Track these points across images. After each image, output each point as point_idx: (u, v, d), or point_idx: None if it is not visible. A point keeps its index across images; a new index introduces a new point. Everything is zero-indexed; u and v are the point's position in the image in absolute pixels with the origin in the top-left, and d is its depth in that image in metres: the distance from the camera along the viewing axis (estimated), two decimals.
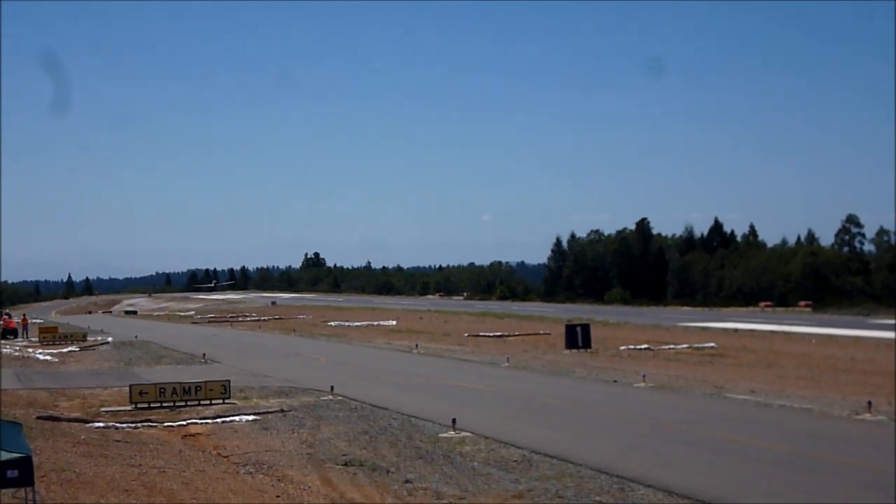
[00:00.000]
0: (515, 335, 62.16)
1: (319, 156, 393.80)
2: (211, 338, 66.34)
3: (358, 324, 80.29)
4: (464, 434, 23.42)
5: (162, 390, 29.77)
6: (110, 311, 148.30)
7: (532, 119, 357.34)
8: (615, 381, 35.30)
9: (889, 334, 58.48)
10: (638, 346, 50.16)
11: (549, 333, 61.29)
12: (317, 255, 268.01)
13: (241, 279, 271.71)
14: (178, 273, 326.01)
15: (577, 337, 50.26)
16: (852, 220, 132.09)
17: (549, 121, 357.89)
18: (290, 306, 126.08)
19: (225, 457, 21.06)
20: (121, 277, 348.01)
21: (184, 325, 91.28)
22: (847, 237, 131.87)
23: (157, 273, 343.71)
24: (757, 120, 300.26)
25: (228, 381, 31.39)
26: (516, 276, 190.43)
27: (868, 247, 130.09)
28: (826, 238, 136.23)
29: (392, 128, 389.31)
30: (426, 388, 34.34)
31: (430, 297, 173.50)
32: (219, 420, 26.61)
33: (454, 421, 24.05)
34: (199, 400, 29.79)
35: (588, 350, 48.75)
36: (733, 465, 19.40)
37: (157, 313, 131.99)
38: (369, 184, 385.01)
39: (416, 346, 53.45)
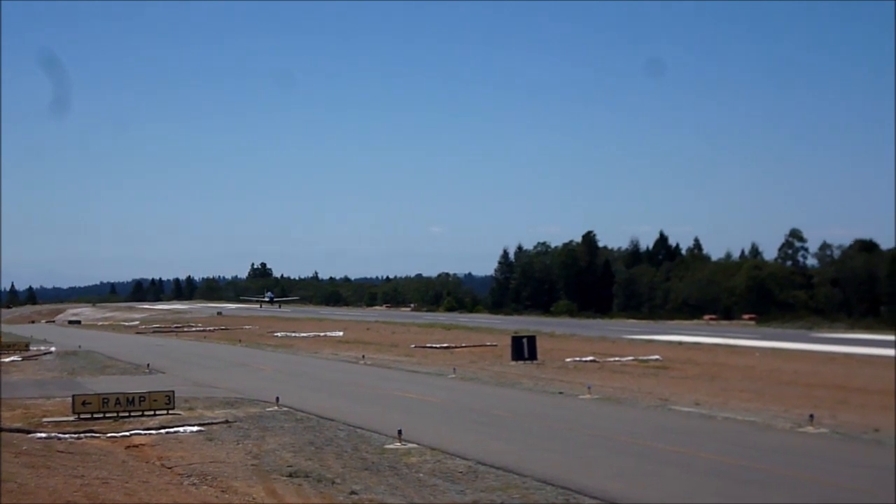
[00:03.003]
0: (462, 346, 62.20)
1: (267, 165, 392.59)
2: (156, 348, 65.87)
3: (305, 334, 80.00)
4: (410, 445, 23.42)
5: (105, 401, 29.49)
6: (54, 321, 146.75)
7: (481, 132, 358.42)
8: (561, 393, 35.43)
9: (831, 348, 59.19)
10: (584, 358, 50.37)
11: (495, 345, 61.39)
12: (264, 265, 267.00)
13: (186, 289, 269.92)
14: (123, 282, 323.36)
15: (524, 348, 50.39)
16: (795, 234, 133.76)
17: (498, 134, 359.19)
18: (237, 316, 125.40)
19: (169, 468, 20.91)
20: (65, 286, 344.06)
21: (128, 335, 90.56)
22: (790, 251, 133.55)
23: (102, 282, 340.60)
24: (701, 135, 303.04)
25: (173, 391, 31.17)
26: (464, 288, 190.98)
27: (811, 261, 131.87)
28: (770, 252, 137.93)
29: (340, 138, 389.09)
30: (373, 399, 34.30)
31: (377, 307, 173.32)
32: (163, 431, 26.41)
33: (400, 432, 24.04)
34: (144, 410, 29.56)
35: (534, 362, 48.90)
36: (677, 477, 19.55)
37: (101, 323, 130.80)
38: (317, 194, 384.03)
39: (363, 357, 53.37)
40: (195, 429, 26.74)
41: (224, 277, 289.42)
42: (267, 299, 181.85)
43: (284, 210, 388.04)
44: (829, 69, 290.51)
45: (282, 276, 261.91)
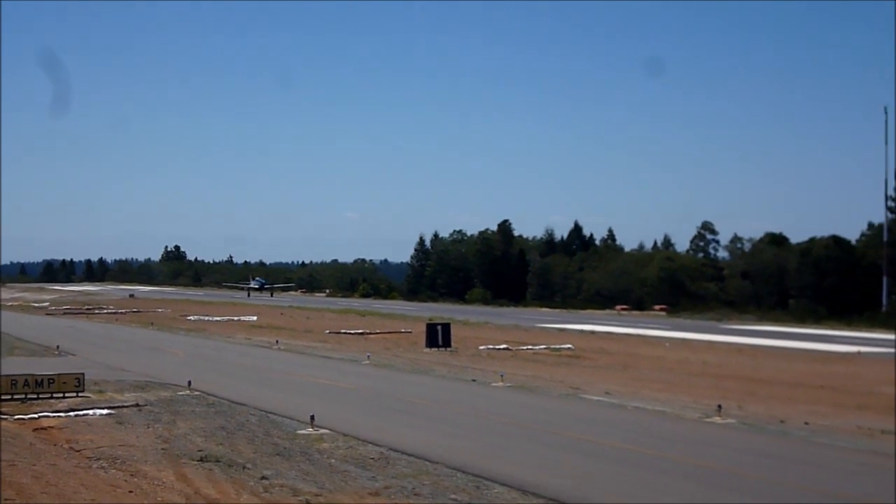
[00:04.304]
0: (377, 333, 62.22)
1: (180, 147, 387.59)
2: (66, 330, 64.93)
3: (218, 319, 79.42)
4: (322, 431, 23.42)
5: (13, 382, 29.08)
6: None
7: (396, 118, 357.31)
8: (474, 381, 35.62)
9: (740, 339, 60.18)
10: (497, 346, 50.66)
11: (410, 332, 61.51)
12: (177, 247, 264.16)
13: (98, 271, 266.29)
14: (33, 263, 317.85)
15: (438, 336, 50.55)
16: (707, 226, 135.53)
17: (414, 121, 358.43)
18: (149, 299, 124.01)
19: (77, 451, 20.71)
20: None
21: (38, 317, 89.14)
22: (702, 243, 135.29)
23: (11, 262, 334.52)
24: (615, 125, 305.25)
25: (83, 374, 30.80)
26: (379, 274, 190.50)
27: (722, 253, 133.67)
28: (682, 244, 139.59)
29: (256, 122, 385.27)
30: (286, 385, 34.22)
31: (292, 293, 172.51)
32: (72, 413, 26.12)
33: (313, 418, 24.03)
34: (52, 393, 29.20)
35: (448, 349, 49.08)
36: (587, 465, 19.80)
37: (10, 304, 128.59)
38: (232, 178, 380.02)
39: (277, 342, 53.14)
40: (105, 412, 26.48)
41: (137, 260, 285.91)
42: (255, 286, 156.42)
43: (199, 193, 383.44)
44: (744, 59, 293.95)
45: (195, 259, 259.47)
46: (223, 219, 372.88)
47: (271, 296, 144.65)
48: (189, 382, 32.00)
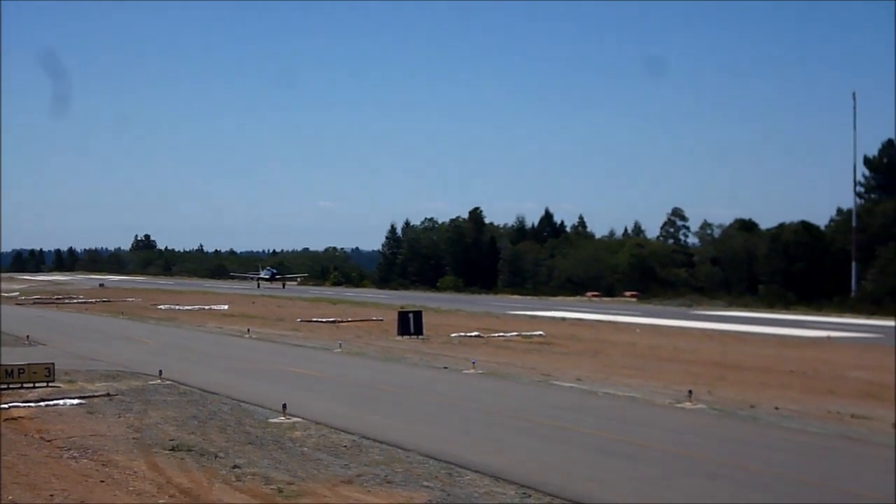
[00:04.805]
0: (349, 321, 62.18)
1: (150, 136, 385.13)
2: (36, 319, 64.55)
3: (189, 307, 79.15)
4: (294, 419, 23.42)
5: None
6: None
7: (369, 106, 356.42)
8: (446, 368, 35.68)
9: (710, 325, 60.49)
10: (469, 334, 50.73)
11: (382, 320, 61.50)
12: (147, 237, 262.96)
13: (68, 260, 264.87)
14: (2, 253, 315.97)
15: (410, 323, 50.55)
16: (677, 213, 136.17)
17: (385, 109, 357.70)
18: (120, 289, 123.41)
19: (48, 441, 20.64)
20: None
21: (8, 307, 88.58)
22: (672, 230, 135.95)
23: None
24: (584, 113, 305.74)
25: (53, 363, 30.65)
26: (351, 262, 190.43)
27: (692, 240, 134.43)
28: (652, 230, 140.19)
29: (225, 110, 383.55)
30: (257, 373, 34.18)
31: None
32: (42, 404, 26.00)
33: (285, 406, 24.01)
34: (22, 383, 29.02)
35: (420, 337, 49.11)
36: (559, 451, 19.89)
37: None
38: (202, 166, 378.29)
39: (249, 330, 53.04)
40: (76, 402, 26.38)
41: (107, 249, 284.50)
42: (266, 276, 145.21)
43: (169, 181, 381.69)
44: (711, 47, 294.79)
45: (166, 248, 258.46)
46: (194, 207, 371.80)
47: (283, 287, 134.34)
48: (160, 372, 31.91)
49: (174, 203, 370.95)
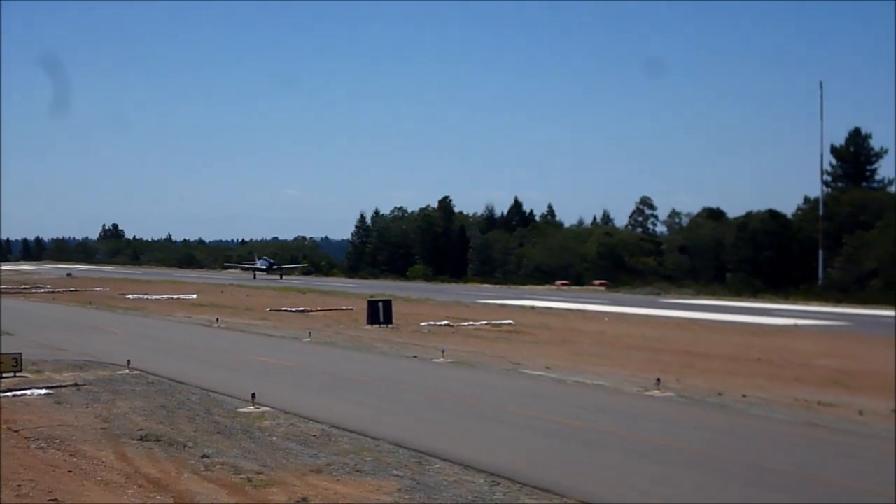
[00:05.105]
0: (318, 310, 62.10)
1: (117, 124, 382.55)
2: (2, 309, 64.09)
3: (157, 297, 78.79)
4: (264, 409, 23.38)
5: None
6: None
7: (338, 95, 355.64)
8: (415, 357, 35.68)
9: (678, 313, 60.78)
10: (438, 323, 50.76)
11: (351, 309, 61.46)
12: (115, 226, 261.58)
13: (35, 250, 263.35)
14: None
15: (379, 313, 50.52)
16: (646, 202, 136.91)
17: (354, 98, 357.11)
18: (87, 278, 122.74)
19: (16, 431, 20.52)
20: None
21: None
22: (640, 218, 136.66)
23: None
24: (553, 100, 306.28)
25: (20, 353, 30.44)
26: (320, 252, 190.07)
27: (660, 228, 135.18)
28: (620, 219, 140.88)
29: (192, 98, 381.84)
30: (226, 363, 34.08)
31: (232, 271, 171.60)
32: (10, 394, 25.85)
33: (254, 395, 23.96)
34: None
35: (390, 326, 49.10)
36: (528, 440, 19.94)
37: None
38: (170, 154, 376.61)
39: (217, 320, 52.88)
40: (43, 392, 26.24)
41: (74, 238, 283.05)
42: (262, 267, 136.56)
43: (137, 171, 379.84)
44: (680, 33, 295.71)
45: (134, 237, 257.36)
46: (162, 196, 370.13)
47: (280, 278, 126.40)
48: (128, 361, 31.76)
49: (143, 192, 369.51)
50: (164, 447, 18.94)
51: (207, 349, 38.87)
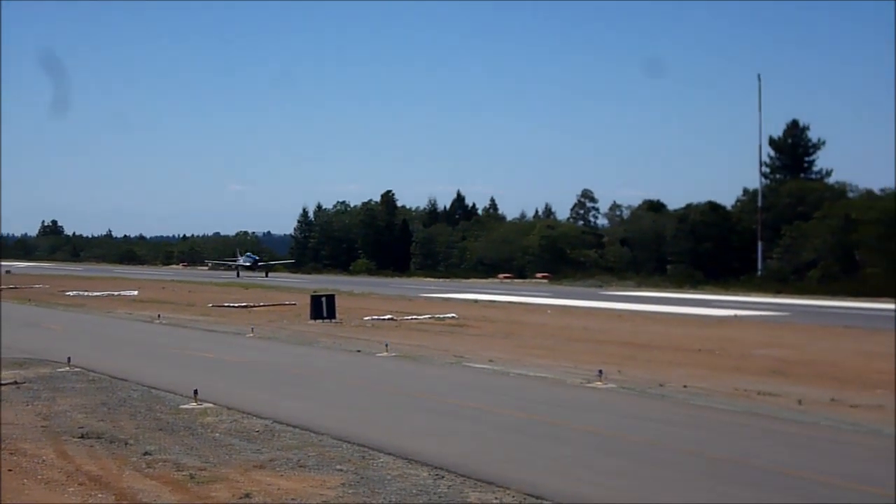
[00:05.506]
0: (261, 305, 61.90)
1: (56, 119, 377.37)
2: None
3: (98, 293, 78.11)
4: (206, 405, 23.25)
5: None
6: None
7: (280, 90, 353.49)
8: (359, 351, 35.65)
9: (620, 305, 61.20)
10: (382, 317, 50.75)
11: (295, 304, 61.29)
12: (55, 222, 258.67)
13: None
14: None
15: (323, 307, 50.41)
16: (587, 194, 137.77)
17: (296, 91, 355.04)
18: (27, 275, 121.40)
19: None
20: None
21: None
22: (582, 211, 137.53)
23: None
24: (494, 94, 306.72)
25: None
26: (263, 247, 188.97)
27: (602, 221, 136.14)
28: (562, 212, 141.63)
29: (133, 94, 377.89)
30: (168, 359, 33.87)
31: (174, 266, 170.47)
32: None
33: (196, 392, 23.83)
34: None
35: (333, 320, 49.01)
36: (472, 432, 20.01)
37: None
38: (111, 150, 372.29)
39: (159, 316, 52.50)
40: None
41: (13, 235, 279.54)
42: (247, 263, 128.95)
43: (76, 166, 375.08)
44: (619, 25, 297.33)
45: (74, 233, 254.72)
46: (102, 192, 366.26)
47: (265, 276, 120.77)
48: (69, 359, 31.44)
49: (82, 188, 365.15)
50: (106, 444, 18.80)
51: (149, 345, 38.61)
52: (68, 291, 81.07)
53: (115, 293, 78.46)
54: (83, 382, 27.69)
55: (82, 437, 19.56)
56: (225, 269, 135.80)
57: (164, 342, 39.73)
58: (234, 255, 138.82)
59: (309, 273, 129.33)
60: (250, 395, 25.20)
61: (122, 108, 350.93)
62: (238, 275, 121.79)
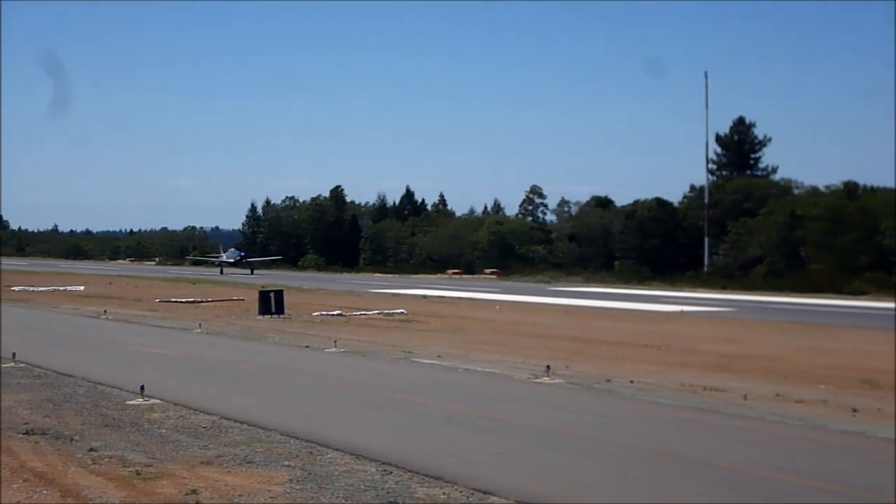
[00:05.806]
0: (209, 301, 61.59)
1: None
2: None
3: (43, 289, 77.37)
4: (153, 401, 23.12)
5: None
6: None
7: (230, 84, 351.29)
8: (307, 347, 35.60)
9: (568, 301, 61.51)
10: (331, 312, 50.70)
11: (243, 299, 61.05)
12: None
13: None
14: None
15: (271, 303, 50.30)
16: (535, 190, 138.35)
17: (244, 85, 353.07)
18: None
19: None
20: None
21: None
22: (531, 207, 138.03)
23: None
24: (443, 88, 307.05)
25: None
26: (211, 242, 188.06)
27: (550, 217, 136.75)
28: (511, 208, 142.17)
29: (82, 85, 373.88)
30: (115, 355, 33.63)
31: (120, 261, 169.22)
32: None
33: (143, 388, 23.69)
34: None
35: (282, 316, 48.89)
36: (419, 427, 20.06)
37: None
38: (56, 143, 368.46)
39: (105, 311, 52.11)
40: None
41: None
42: (231, 260, 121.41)
43: (21, 159, 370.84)
44: (569, 21, 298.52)
45: (19, 228, 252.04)
46: (47, 186, 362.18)
47: (251, 273, 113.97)
48: (14, 354, 31.13)
49: (28, 182, 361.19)
50: (51, 441, 18.66)
51: (95, 341, 38.32)
52: (13, 286, 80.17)
53: (62, 288, 77.76)
54: (28, 378, 27.44)
55: (27, 433, 19.39)
56: (207, 266, 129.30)
57: (110, 338, 39.44)
58: (217, 251, 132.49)
59: (257, 268, 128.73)
60: (198, 390, 25.08)
61: (70, 105, 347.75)
62: (222, 272, 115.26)
